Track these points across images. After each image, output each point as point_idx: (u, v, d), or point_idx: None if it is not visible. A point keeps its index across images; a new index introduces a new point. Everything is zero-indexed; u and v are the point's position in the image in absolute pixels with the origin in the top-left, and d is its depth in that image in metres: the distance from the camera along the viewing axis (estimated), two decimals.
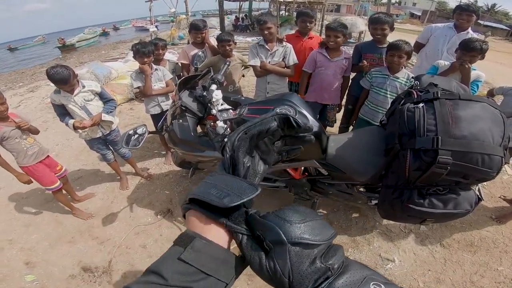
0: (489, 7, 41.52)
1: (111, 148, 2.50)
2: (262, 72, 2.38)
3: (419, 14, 35.46)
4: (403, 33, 14.81)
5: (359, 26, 10.13)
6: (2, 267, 2.00)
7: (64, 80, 1.95)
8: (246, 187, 0.37)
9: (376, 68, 2.25)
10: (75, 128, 2.13)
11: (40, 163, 2.11)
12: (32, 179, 2.11)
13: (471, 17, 2.42)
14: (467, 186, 1.12)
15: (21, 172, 2.06)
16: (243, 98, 1.88)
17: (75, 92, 2.08)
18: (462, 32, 2.48)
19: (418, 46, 2.82)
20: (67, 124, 2.14)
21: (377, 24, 2.26)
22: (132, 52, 2.38)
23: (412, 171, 1.09)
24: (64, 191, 2.36)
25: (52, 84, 2.05)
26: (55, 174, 2.23)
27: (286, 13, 14.50)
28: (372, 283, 0.32)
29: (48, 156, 2.21)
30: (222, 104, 1.65)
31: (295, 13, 13.03)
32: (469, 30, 2.50)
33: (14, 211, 2.53)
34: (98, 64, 5.13)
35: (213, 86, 1.67)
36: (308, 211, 0.37)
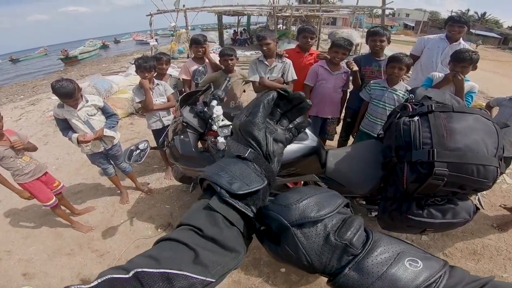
0: (480, 16, 42.68)
1: (112, 162, 2.51)
2: (260, 87, 2.41)
3: (413, 25, 36.14)
4: (398, 44, 15.16)
5: (355, 38, 10.28)
6: None
7: (69, 94, 1.97)
8: (254, 177, 0.37)
9: (375, 80, 2.30)
10: (78, 142, 2.14)
11: (37, 180, 2.10)
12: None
13: (463, 28, 2.48)
14: (464, 196, 1.15)
15: (20, 188, 2.06)
16: None
17: (79, 106, 2.10)
18: (454, 43, 2.53)
19: (413, 59, 2.86)
20: (70, 139, 2.15)
21: (376, 36, 2.31)
22: (133, 66, 2.42)
23: (409, 183, 1.12)
24: (62, 206, 2.35)
25: (53, 98, 2.08)
26: (52, 190, 2.22)
27: (284, 27, 14.84)
28: (407, 259, 0.29)
29: (46, 172, 2.20)
30: (222, 120, 1.68)
31: (292, 27, 13.38)
32: (461, 40, 2.56)
33: (13, 223, 2.53)
34: (99, 77, 5.19)
35: (214, 102, 1.70)
36: (308, 189, 0.37)
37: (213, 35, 14.22)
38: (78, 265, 2.06)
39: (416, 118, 1.13)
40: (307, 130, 1.54)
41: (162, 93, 2.51)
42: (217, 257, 0.33)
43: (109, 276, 0.28)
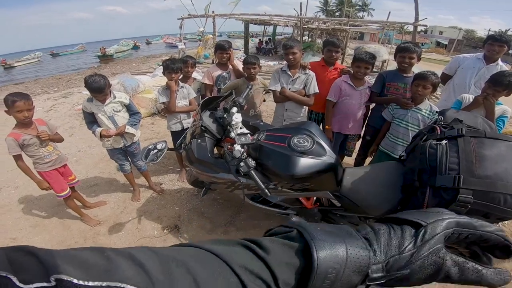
0: None
1: (129, 159, 2.57)
2: (281, 98, 2.37)
3: (446, 43, 34.52)
4: (427, 62, 14.66)
5: (382, 55, 10.00)
6: None
7: (100, 89, 2.06)
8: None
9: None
10: (101, 136, 2.21)
11: (55, 170, 2.16)
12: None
13: (503, 48, 2.34)
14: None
15: (40, 178, 2.12)
16: (262, 123, 1.89)
17: (107, 101, 2.18)
18: (491, 64, 2.39)
19: (445, 78, 2.72)
20: (94, 132, 2.23)
21: (406, 52, 2.20)
22: (161, 67, 2.48)
23: (430, 207, 1.06)
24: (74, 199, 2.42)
25: (84, 92, 2.17)
26: (67, 182, 2.29)
27: (309, 39, 14.85)
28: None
29: (65, 164, 2.27)
30: (241, 128, 1.66)
31: (318, 40, 13.34)
32: (499, 61, 2.41)
33: (25, 210, 2.62)
34: (128, 76, 5.42)
35: (234, 109, 1.69)
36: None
37: (238, 43, 14.51)
38: None
39: (444, 141, 1.07)
40: (325, 146, 1.49)
41: (185, 96, 2.55)
42: None
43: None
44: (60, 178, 2.21)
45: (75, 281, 0.20)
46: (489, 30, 33.96)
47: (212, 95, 2.68)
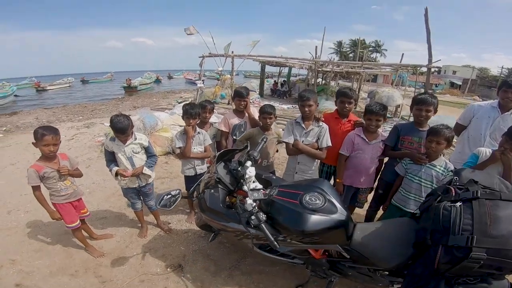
0: None
1: (141, 198, 2.61)
2: (293, 150, 2.37)
3: (460, 83, 33.76)
4: (442, 105, 14.50)
5: (396, 99, 9.81)
6: None
7: (123, 130, 2.18)
8: None
9: None
10: (116, 175, 2.29)
11: (69, 203, 2.21)
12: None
13: None
14: (500, 276, 1.09)
15: (53, 209, 2.15)
16: (274, 177, 1.93)
17: (128, 142, 2.29)
18: (506, 113, 2.28)
19: (459, 129, 2.58)
20: (110, 170, 2.32)
21: (423, 105, 2.12)
22: (180, 105, 2.61)
23: (441, 264, 1.09)
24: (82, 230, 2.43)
25: (106, 124, 2.29)
26: (79, 215, 2.33)
27: (323, 81, 15.30)
28: None
29: (80, 198, 2.33)
30: (254, 182, 1.70)
31: (332, 83, 13.70)
32: None
33: (31, 234, 2.65)
34: (148, 112, 5.73)
35: (248, 163, 1.74)
36: None
37: (254, 84, 15.04)
38: (77, 287, 2.06)
39: (458, 204, 1.10)
40: (336, 204, 1.51)
41: (201, 142, 2.63)
42: None
43: None
44: (72, 210, 2.26)
45: None
46: (502, 67, 33.27)
47: (227, 143, 2.77)
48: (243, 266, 2.31)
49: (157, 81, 31.75)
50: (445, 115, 8.03)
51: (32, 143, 2.01)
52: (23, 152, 4.94)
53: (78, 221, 2.30)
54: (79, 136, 6.00)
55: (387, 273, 1.66)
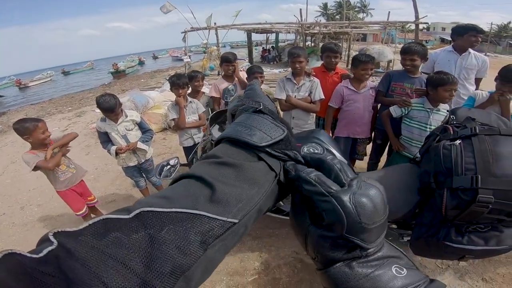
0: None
1: (144, 176, 2.65)
2: (287, 106, 2.39)
3: (450, 38, 34.04)
4: None
5: (387, 55, 9.93)
6: None
7: (111, 109, 2.15)
8: (274, 128, 0.35)
9: (416, 99, 2.10)
10: (117, 154, 2.30)
11: (71, 190, 2.24)
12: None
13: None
14: (511, 223, 1.04)
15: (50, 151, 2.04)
16: None
17: (119, 121, 2.27)
18: (464, 53, 2.47)
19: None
20: (109, 151, 2.32)
21: (407, 54, 2.18)
22: (168, 83, 2.55)
23: (449, 209, 1.03)
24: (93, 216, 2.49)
25: (97, 111, 2.26)
26: (86, 202, 2.37)
27: (312, 44, 14.90)
28: (394, 265, 0.33)
29: (82, 181, 2.34)
30: None
31: (321, 44, 13.31)
32: (469, 50, 2.47)
33: (47, 227, 2.72)
34: (137, 92, 5.59)
35: None
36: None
37: (242, 52, 14.65)
38: None
39: (457, 141, 1.04)
40: (335, 152, 1.51)
41: (194, 111, 2.61)
42: (238, 191, 0.29)
43: (104, 217, 0.24)
44: (77, 197, 2.29)
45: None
46: (492, 23, 34.36)
47: (220, 108, 2.74)
48: (252, 231, 2.36)
49: (141, 63, 30.74)
50: None
51: (24, 138, 1.95)
52: (21, 149, 4.88)
53: (85, 208, 2.34)
54: (72, 126, 5.92)
55: (395, 226, 1.68)
